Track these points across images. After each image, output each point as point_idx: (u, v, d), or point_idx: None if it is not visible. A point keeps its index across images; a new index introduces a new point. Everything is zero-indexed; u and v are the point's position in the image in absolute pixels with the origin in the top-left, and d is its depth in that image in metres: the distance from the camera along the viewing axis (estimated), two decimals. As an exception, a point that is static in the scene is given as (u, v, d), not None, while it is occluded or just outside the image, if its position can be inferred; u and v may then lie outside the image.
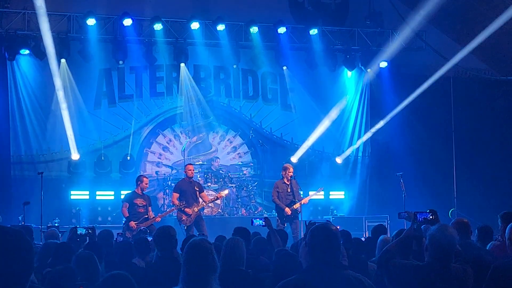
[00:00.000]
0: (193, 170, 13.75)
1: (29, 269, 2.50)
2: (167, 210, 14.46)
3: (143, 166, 17.49)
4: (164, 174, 17.26)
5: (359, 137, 18.72)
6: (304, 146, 17.98)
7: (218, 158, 17.62)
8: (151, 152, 17.68)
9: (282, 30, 17.30)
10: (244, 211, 16.77)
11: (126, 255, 6.82)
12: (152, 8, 16.78)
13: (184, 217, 12.97)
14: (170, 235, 6.36)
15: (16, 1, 16.00)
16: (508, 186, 18.14)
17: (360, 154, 18.84)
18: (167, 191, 16.39)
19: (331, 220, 15.38)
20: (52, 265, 6.23)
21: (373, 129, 18.36)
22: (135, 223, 12.44)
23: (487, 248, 6.74)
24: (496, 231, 7.36)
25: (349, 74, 18.72)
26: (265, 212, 16.56)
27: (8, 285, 2.41)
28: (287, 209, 13.11)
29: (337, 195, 18.08)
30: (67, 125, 16.08)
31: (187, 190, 13.23)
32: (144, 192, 13.00)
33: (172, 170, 17.00)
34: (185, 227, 12.90)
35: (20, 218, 13.85)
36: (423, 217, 5.28)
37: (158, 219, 12.88)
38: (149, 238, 7.94)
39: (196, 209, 13.03)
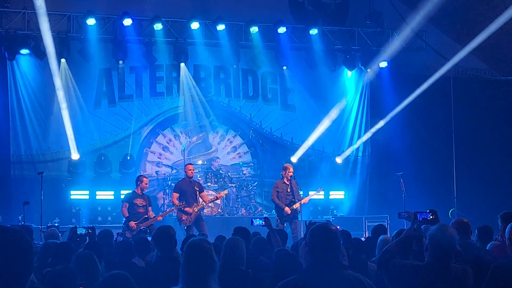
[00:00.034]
0: (193, 170, 13.74)
1: (29, 269, 2.50)
2: (167, 210, 14.46)
3: (143, 166, 17.49)
4: (164, 174, 17.25)
5: (359, 137, 18.72)
6: (304, 146, 17.97)
7: (218, 158, 17.61)
8: (151, 152, 17.68)
9: (282, 30, 17.30)
10: (244, 211, 16.76)
11: (126, 255, 6.82)
12: (152, 8, 16.78)
13: (184, 217, 12.97)
14: (169, 235, 6.36)
15: (16, 0, 16.00)
16: (508, 186, 18.13)
17: (360, 154, 18.84)
18: (167, 191, 16.39)
19: (331, 220, 15.38)
20: (52, 265, 6.23)
21: (373, 129, 18.36)
22: (135, 223, 12.44)
23: (487, 248, 6.74)
24: (496, 231, 7.36)
25: (349, 74, 18.72)
26: (265, 212, 16.56)
27: (8, 285, 2.41)
28: (286, 208, 13.10)
29: (337, 195, 18.08)
30: (67, 125, 16.08)
31: (187, 190, 13.22)
32: (144, 192, 13.00)
33: (172, 170, 17.00)
34: (185, 227, 12.90)
35: (20, 218, 13.85)
36: (423, 217, 5.28)
37: (160, 218, 12.89)
38: (149, 238, 7.94)
39: (196, 209, 13.02)
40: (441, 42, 17.93)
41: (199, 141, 17.94)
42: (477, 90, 18.69)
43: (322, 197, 16.86)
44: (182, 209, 12.92)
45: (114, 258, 6.87)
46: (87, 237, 7.92)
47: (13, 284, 2.43)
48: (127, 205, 12.71)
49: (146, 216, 12.70)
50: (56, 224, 13.52)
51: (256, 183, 17.47)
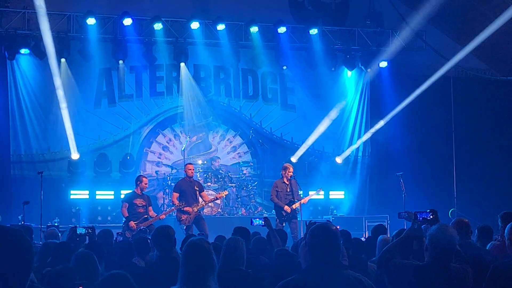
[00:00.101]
0: (193, 169, 13.73)
1: (28, 269, 2.49)
2: (167, 209, 14.45)
3: (143, 165, 17.49)
4: (164, 173, 17.25)
5: (359, 137, 18.72)
6: (304, 146, 17.97)
7: (218, 158, 17.62)
8: (151, 152, 17.68)
9: (282, 30, 17.30)
10: (244, 210, 16.76)
11: (126, 255, 6.82)
12: (152, 8, 16.78)
13: (183, 217, 12.97)
14: (169, 235, 6.35)
15: (16, 0, 16.00)
16: (508, 186, 18.13)
17: (360, 154, 18.83)
18: (167, 190, 16.39)
19: (331, 220, 15.37)
20: (51, 264, 6.23)
21: (373, 129, 18.35)
22: (134, 223, 12.44)
23: (487, 248, 6.74)
24: (496, 231, 7.36)
25: (349, 74, 18.72)
26: (265, 212, 16.55)
27: (7, 284, 2.41)
28: (286, 207, 13.08)
29: (337, 195, 18.07)
30: (67, 125, 16.07)
31: (187, 189, 13.22)
32: (143, 192, 13.00)
33: (172, 170, 16.99)
34: (184, 227, 12.90)
35: (19, 217, 13.85)
36: (423, 217, 5.28)
37: (163, 216, 12.95)
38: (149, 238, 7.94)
39: (195, 209, 13.02)
40: (441, 42, 17.93)
41: (199, 141, 17.94)
42: (477, 90, 18.69)
43: (322, 197, 16.86)
44: (182, 209, 12.92)
45: (114, 258, 6.87)
46: (87, 237, 7.92)
47: (13, 283, 2.43)
48: (127, 205, 12.72)
49: (146, 216, 12.70)
50: (56, 224, 13.54)
51: (256, 183, 17.46)
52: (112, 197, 16.44)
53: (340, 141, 18.71)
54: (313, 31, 17.63)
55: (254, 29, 17.23)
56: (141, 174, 14.75)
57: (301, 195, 13.79)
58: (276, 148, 18.29)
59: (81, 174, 16.78)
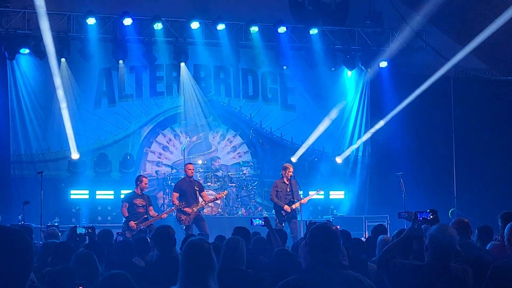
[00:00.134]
0: (193, 169, 13.73)
1: (28, 269, 2.49)
2: (167, 209, 14.45)
3: (143, 165, 17.49)
4: (164, 173, 17.25)
5: (359, 137, 18.72)
6: (304, 146, 17.97)
7: (219, 158, 17.63)
8: (151, 152, 17.68)
9: (282, 29, 17.30)
10: (244, 210, 16.76)
11: (126, 255, 6.82)
12: (152, 8, 16.77)
13: (183, 217, 12.97)
14: (168, 235, 6.35)
15: (16, 0, 16.00)
16: (508, 186, 18.13)
17: (360, 154, 18.83)
18: (167, 190, 16.39)
19: (331, 220, 15.37)
20: (51, 264, 6.23)
21: (373, 129, 18.35)
22: (134, 223, 12.45)
23: (487, 248, 6.74)
24: (496, 231, 7.36)
25: (349, 74, 18.71)
26: (265, 212, 16.55)
27: (7, 284, 2.41)
28: (286, 207, 13.08)
29: (337, 195, 18.07)
30: (67, 125, 16.08)
31: (187, 189, 13.23)
32: (143, 192, 13.00)
33: (172, 170, 16.99)
34: (184, 227, 12.90)
35: (19, 217, 13.86)
36: (423, 217, 5.28)
37: (165, 215, 13.00)
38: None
39: (195, 209, 13.02)
40: (441, 42, 17.93)
41: (199, 141, 17.94)
42: (477, 90, 18.69)
43: (322, 197, 16.86)
44: (182, 209, 12.92)
45: (114, 258, 6.87)
46: (87, 237, 7.92)
47: (13, 283, 2.43)
48: (127, 205, 12.72)
49: (146, 216, 12.71)
50: (56, 224, 13.53)
51: (256, 182, 17.46)
52: (112, 197, 16.44)
53: (340, 141, 18.71)
54: (313, 31, 17.63)
55: (254, 29, 17.22)
56: (141, 174, 14.75)
57: (301, 195, 13.79)
58: (276, 148, 18.29)
59: (81, 174, 16.78)
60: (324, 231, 3.99)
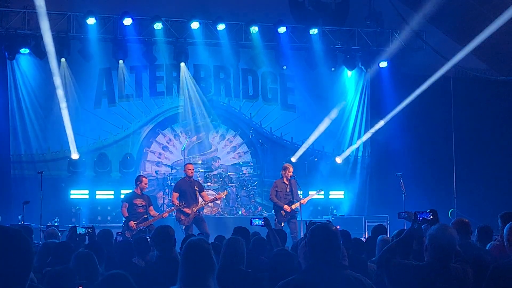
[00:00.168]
0: (193, 169, 13.73)
1: (28, 269, 2.50)
2: (167, 209, 14.45)
3: (143, 165, 17.49)
4: (164, 173, 17.25)
5: (359, 137, 18.71)
6: (304, 146, 17.97)
7: (219, 158, 17.62)
8: (151, 152, 17.68)
9: (282, 29, 17.30)
10: (244, 210, 16.76)
11: (126, 255, 6.82)
12: (152, 8, 16.77)
13: (182, 217, 12.97)
14: (168, 235, 6.36)
15: (16, 0, 16.00)
16: (508, 186, 18.13)
17: (360, 154, 18.83)
18: (167, 190, 16.39)
19: (331, 220, 15.37)
20: (51, 264, 6.23)
21: (373, 129, 18.35)
22: (134, 223, 12.45)
23: (487, 248, 6.74)
24: (496, 231, 7.36)
25: (349, 74, 18.71)
26: (265, 212, 16.55)
27: (7, 284, 2.41)
28: (286, 206, 13.07)
29: (337, 195, 18.07)
30: (67, 125, 16.07)
31: (187, 190, 13.23)
32: (143, 192, 13.01)
33: (172, 170, 17.00)
34: (183, 227, 12.90)
35: (19, 217, 13.85)
36: (422, 217, 5.28)
37: (166, 214, 13.06)
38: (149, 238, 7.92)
39: (195, 209, 13.02)
40: (441, 42, 17.92)
41: (199, 141, 17.94)
42: (477, 90, 18.68)
43: (322, 197, 16.85)
44: (182, 209, 12.92)
45: (114, 258, 6.87)
46: (87, 237, 7.92)
47: (13, 283, 2.43)
48: (127, 205, 12.73)
49: (146, 216, 12.72)
50: (55, 224, 13.53)
51: (256, 182, 17.47)
52: (112, 197, 16.44)
53: (340, 141, 18.71)
54: (313, 31, 17.62)
55: (254, 29, 17.22)
56: (141, 174, 14.76)
57: (301, 195, 13.79)
58: (276, 148, 18.29)
59: (81, 174, 16.78)
60: (324, 231, 4.00)
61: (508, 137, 18.59)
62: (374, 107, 18.69)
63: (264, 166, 18.16)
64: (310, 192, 14.68)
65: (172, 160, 17.61)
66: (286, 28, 17.37)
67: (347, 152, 18.54)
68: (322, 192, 15.59)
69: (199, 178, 16.06)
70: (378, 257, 5.49)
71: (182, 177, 13.92)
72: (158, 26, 16.56)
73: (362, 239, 9.49)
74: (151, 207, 13.02)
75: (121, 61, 16.93)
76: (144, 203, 12.77)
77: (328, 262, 3.89)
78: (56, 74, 15.91)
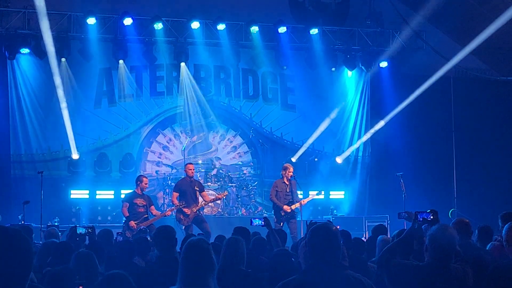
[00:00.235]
0: (194, 169, 13.74)
1: (28, 269, 2.50)
2: (167, 209, 14.45)
3: (143, 165, 17.49)
4: (164, 173, 17.25)
5: (359, 137, 18.71)
6: (304, 146, 17.98)
7: (219, 158, 17.63)
8: (151, 152, 17.68)
9: (282, 29, 17.30)
10: (244, 210, 16.76)
11: (126, 255, 6.82)
12: (152, 8, 16.78)
13: (182, 217, 12.98)
14: (169, 235, 6.35)
15: (16, 0, 16.00)
16: (508, 186, 18.13)
17: (360, 154, 18.83)
18: (167, 190, 16.39)
19: (331, 220, 15.37)
20: (51, 264, 6.23)
21: (373, 130, 18.35)
22: (135, 223, 12.46)
23: (487, 248, 6.74)
24: (496, 231, 7.36)
25: (349, 74, 18.71)
26: (265, 212, 16.55)
27: (7, 284, 2.41)
28: (285, 207, 13.06)
29: (337, 195, 18.07)
30: (67, 124, 16.08)
31: (187, 190, 13.23)
32: (144, 192, 13.02)
33: (172, 170, 17.00)
34: (183, 227, 12.90)
35: (20, 217, 13.86)
36: (423, 217, 5.28)
37: (169, 212, 13.08)
38: (149, 238, 7.94)
39: (194, 209, 13.02)
40: (441, 42, 17.93)
41: (199, 141, 17.94)
42: (477, 90, 18.68)
43: (322, 197, 16.84)
44: (182, 209, 12.93)
45: (114, 258, 6.87)
46: (87, 237, 7.92)
47: (13, 283, 2.43)
48: (127, 205, 12.74)
49: (146, 216, 12.73)
50: (56, 224, 13.55)
51: (256, 182, 17.47)
52: (112, 197, 16.45)
53: (340, 141, 18.71)
54: (313, 31, 17.62)
55: (254, 29, 17.22)
56: (141, 174, 14.77)
57: (301, 195, 13.78)
58: (276, 148, 18.29)
59: (81, 173, 16.79)
60: (324, 231, 4.00)
61: (508, 137, 18.59)
62: (374, 107, 18.69)
63: (264, 166, 18.16)
64: (310, 193, 14.67)
65: (172, 160, 17.61)
66: (286, 28, 17.37)
67: (347, 152, 18.54)
68: (323, 193, 15.58)
69: (199, 178, 16.06)
70: (378, 257, 5.50)
71: (183, 177, 13.92)
72: (158, 26, 16.56)
73: (363, 239, 9.49)
74: (153, 207, 13.06)
75: (121, 61, 16.93)
76: (144, 203, 12.78)
77: (328, 262, 3.89)
78: (56, 74, 15.91)
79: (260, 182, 17.81)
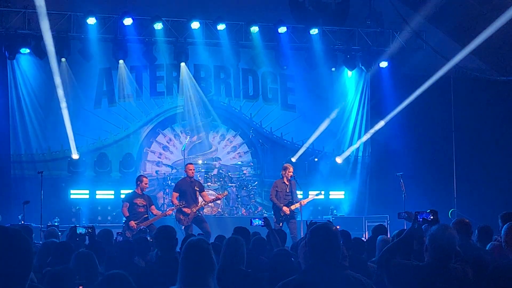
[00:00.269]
0: (194, 169, 13.74)
1: (28, 269, 2.50)
2: (167, 209, 14.46)
3: (143, 165, 17.49)
4: (164, 173, 17.26)
5: (359, 137, 18.72)
6: (304, 146, 17.98)
7: (219, 158, 17.63)
8: (151, 152, 17.68)
9: (282, 29, 17.30)
10: (244, 210, 16.76)
11: (126, 255, 6.82)
12: (152, 8, 16.77)
13: (182, 217, 12.98)
14: (170, 235, 6.35)
15: (16, 0, 16.00)
16: (508, 186, 18.12)
17: (360, 154, 18.83)
18: (167, 190, 16.39)
19: (331, 220, 15.38)
20: (51, 264, 6.23)
21: (373, 129, 18.35)
22: (135, 223, 12.46)
23: (487, 248, 6.74)
24: (496, 231, 7.36)
25: (349, 74, 18.71)
26: (265, 212, 16.55)
27: (7, 284, 2.41)
28: (285, 208, 13.06)
29: (337, 195, 18.07)
30: (67, 124, 16.08)
31: (187, 190, 13.23)
32: (144, 192, 13.02)
33: (172, 170, 17.00)
34: (183, 227, 12.90)
35: (20, 217, 13.86)
36: (423, 217, 5.28)
37: (170, 212, 13.08)
38: (149, 238, 7.93)
39: (194, 210, 13.02)
40: (441, 42, 17.93)
41: (199, 141, 17.94)
42: (477, 90, 18.68)
43: (322, 197, 16.84)
44: (182, 208, 12.93)
45: (114, 258, 6.87)
46: (87, 237, 7.92)
47: (13, 283, 2.43)
48: (128, 204, 12.75)
49: (146, 216, 12.74)
50: (56, 224, 13.55)
51: (256, 182, 17.47)
52: (112, 197, 16.45)
53: (340, 141, 18.71)
54: (314, 31, 17.62)
55: (254, 29, 17.22)
56: (141, 174, 14.77)
57: (301, 195, 13.77)
58: (276, 148, 18.29)
59: (81, 173, 16.79)
60: (324, 231, 4.00)
61: (508, 137, 18.59)
62: (374, 107, 18.69)
63: (264, 166, 18.17)
64: (310, 193, 14.66)
65: (172, 160, 17.61)
66: (286, 28, 17.37)
67: (347, 152, 18.54)
68: (322, 193, 15.58)
69: (199, 178, 16.06)
70: (378, 257, 5.50)
71: (183, 177, 13.92)
72: (158, 26, 16.56)
73: (363, 239, 9.49)
74: (153, 206, 13.07)
75: (121, 61, 16.94)
76: (144, 203, 12.79)
77: (328, 262, 3.89)
78: (56, 74, 15.91)
79: (260, 182, 17.81)
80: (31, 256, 2.53)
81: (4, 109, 16.20)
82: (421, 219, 5.25)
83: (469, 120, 18.50)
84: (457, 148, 18.70)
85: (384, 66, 18.17)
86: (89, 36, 16.40)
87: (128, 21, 16.24)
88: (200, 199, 13.47)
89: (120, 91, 17.28)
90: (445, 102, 18.65)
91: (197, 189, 13.36)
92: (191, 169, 13.46)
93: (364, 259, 7.10)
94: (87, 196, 16.45)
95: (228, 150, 18.22)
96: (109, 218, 16.11)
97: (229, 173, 17.06)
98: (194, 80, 17.68)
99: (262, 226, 8.39)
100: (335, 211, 17.13)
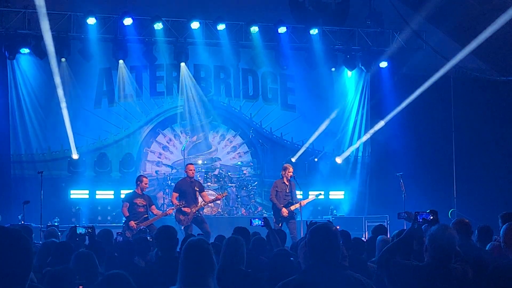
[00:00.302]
0: (194, 170, 13.73)
1: (28, 269, 2.50)
2: (167, 209, 14.45)
3: (143, 165, 17.50)
4: (164, 173, 17.26)
5: (359, 137, 18.72)
6: (304, 146, 17.98)
7: (219, 158, 17.63)
8: (151, 152, 17.68)
9: (282, 30, 17.30)
10: (244, 210, 16.77)
11: (126, 255, 6.82)
12: (152, 8, 16.77)
13: (182, 217, 12.98)
14: (171, 235, 6.35)
15: (16, 0, 16.00)
16: (508, 186, 18.13)
17: (360, 154, 18.83)
18: (167, 190, 16.40)
19: (331, 220, 15.37)
20: (51, 264, 6.23)
21: (373, 130, 18.35)
22: (135, 223, 12.46)
23: (487, 248, 6.74)
24: (496, 231, 7.36)
25: (349, 74, 18.71)
26: (265, 212, 16.55)
27: (7, 284, 2.41)
28: (283, 210, 13.07)
29: (337, 195, 18.07)
30: (67, 124, 16.08)
31: (187, 190, 13.23)
32: (144, 192, 13.02)
33: (172, 170, 17.01)
34: (182, 227, 12.90)
35: (19, 217, 13.86)
36: (422, 217, 5.28)
37: (170, 211, 13.07)
38: (149, 238, 7.93)
39: (194, 210, 13.01)
40: (441, 42, 17.92)
41: (199, 141, 17.94)
42: (477, 90, 18.68)
43: (322, 197, 16.84)
44: (181, 208, 12.93)
45: (114, 258, 6.87)
46: (87, 237, 7.92)
47: (13, 283, 2.43)
48: (128, 204, 12.74)
49: (146, 216, 12.73)
50: (56, 224, 13.54)
51: (256, 183, 17.47)
52: (112, 196, 16.45)
53: (340, 141, 18.71)
54: (313, 31, 17.62)
55: (254, 29, 17.22)
56: (141, 174, 14.77)
57: (301, 196, 13.78)
58: (276, 148, 18.29)
59: (81, 173, 16.79)
60: (324, 232, 4.00)
61: (508, 137, 18.59)
62: (374, 107, 18.69)
63: (264, 166, 18.17)
64: (310, 193, 14.66)
65: (172, 160, 17.61)
66: (286, 28, 17.37)
67: (347, 152, 18.54)
68: (322, 193, 15.59)
69: (199, 178, 16.06)
70: (378, 257, 5.50)
71: (183, 177, 13.92)
72: (158, 26, 16.56)
73: (362, 239, 9.49)
74: (153, 206, 13.07)
75: (121, 61, 16.94)
76: (144, 203, 12.79)
77: (328, 262, 3.89)
78: (56, 74, 15.91)
79: (260, 182, 17.81)
80: (31, 256, 2.53)
81: (4, 109, 16.20)
82: (421, 219, 5.25)
83: (469, 120, 18.51)
84: (457, 148, 18.70)
85: (384, 66, 18.17)
86: (89, 36, 16.40)
87: (128, 21, 16.24)
88: (200, 199, 13.47)
89: (120, 91, 17.28)
90: (445, 102, 18.65)
91: (197, 189, 13.36)
92: (191, 170, 13.45)
93: (364, 259, 7.10)
94: (87, 196, 16.46)
95: (228, 150, 18.22)
96: (109, 218, 16.11)
97: (229, 173, 17.06)
98: (194, 80, 17.69)
99: (262, 226, 8.39)
100: (335, 211, 17.13)
